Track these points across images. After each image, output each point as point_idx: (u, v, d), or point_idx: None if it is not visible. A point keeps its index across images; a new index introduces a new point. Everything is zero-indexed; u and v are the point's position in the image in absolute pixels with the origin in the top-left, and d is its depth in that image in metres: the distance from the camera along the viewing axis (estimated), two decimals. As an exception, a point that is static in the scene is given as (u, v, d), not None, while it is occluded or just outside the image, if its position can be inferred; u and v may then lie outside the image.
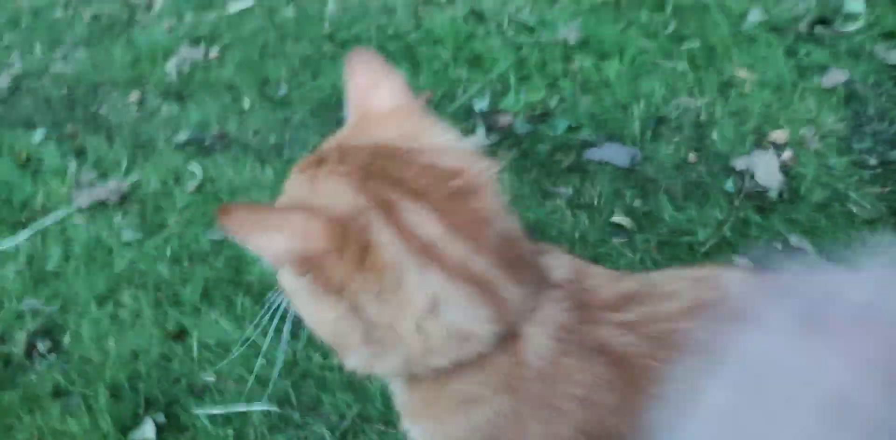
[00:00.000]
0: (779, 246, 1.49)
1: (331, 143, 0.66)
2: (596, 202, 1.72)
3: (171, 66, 2.72)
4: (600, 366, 0.59)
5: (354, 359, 0.64)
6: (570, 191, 1.77)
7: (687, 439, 0.39)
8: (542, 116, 2.05)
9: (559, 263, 0.65)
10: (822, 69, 1.88)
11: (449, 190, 0.59)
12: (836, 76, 1.86)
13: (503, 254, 0.60)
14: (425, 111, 0.66)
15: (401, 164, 0.60)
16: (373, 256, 0.56)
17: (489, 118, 2.12)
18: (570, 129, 1.99)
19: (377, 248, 0.56)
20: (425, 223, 0.57)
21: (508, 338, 0.60)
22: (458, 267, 0.57)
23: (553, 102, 2.08)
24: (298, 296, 0.63)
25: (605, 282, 0.65)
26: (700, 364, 0.39)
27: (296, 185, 0.63)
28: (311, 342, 1.25)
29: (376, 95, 0.67)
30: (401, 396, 0.69)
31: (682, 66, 2.00)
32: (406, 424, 0.68)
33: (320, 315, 0.62)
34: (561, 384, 0.59)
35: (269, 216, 0.58)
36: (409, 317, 0.58)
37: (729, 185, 1.68)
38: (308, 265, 0.57)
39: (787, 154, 1.75)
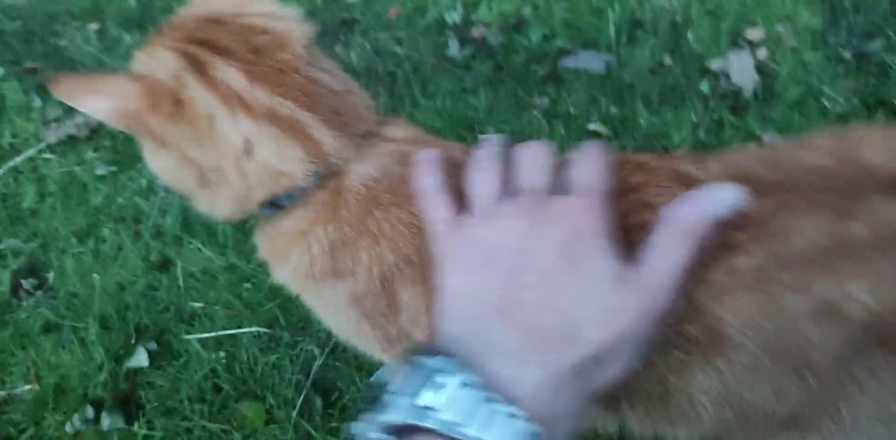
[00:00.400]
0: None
1: (170, 19, 0.73)
2: (572, 111, 1.70)
3: (128, -8, 2.61)
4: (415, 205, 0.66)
5: (201, 203, 0.73)
6: (546, 101, 1.75)
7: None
8: (517, 26, 2.00)
9: (399, 127, 0.72)
10: (799, -39, 1.83)
11: (255, 46, 0.66)
12: (812, -32, 1.81)
13: (316, 101, 0.66)
14: None
15: (218, 30, 0.68)
16: (186, 109, 0.64)
17: (462, 31, 2.06)
18: (545, 38, 1.94)
19: (189, 102, 0.64)
20: (232, 76, 0.65)
21: (331, 176, 0.67)
22: (264, 112, 0.65)
23: (526, 12, 2.02)
24: (145, 154, 0.72)
25: (437, 145, 0.71)
26: None
27: (136, 59, 0.69)
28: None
29: None
30: (259, 244, 0.77)
31: (656, -35, 1.93)
32: (271, 270, 0.77)
33: (160, 166, 0.71)
34: (384, 210, 0.66)
35: (92, 82, 0.65)
36: (227, 159, 0.66)
37: (704, 86, 1.66)
38: (132, 122, 0.65)
39: (762, 52, 1.72)
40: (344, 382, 1.20)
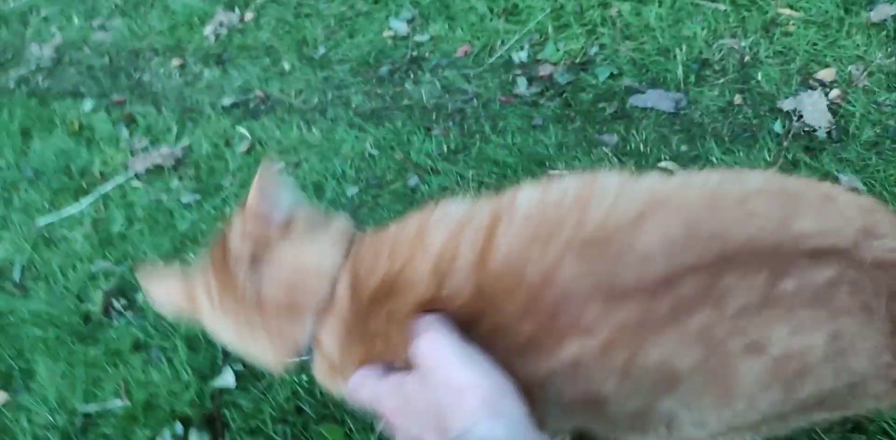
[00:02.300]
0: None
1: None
2: (643, 149, 1.72)
3: (208, 30, 2.75)
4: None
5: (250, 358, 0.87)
6: (615, 138, 1.78)
7: None
8: (583, 65, 2.05)
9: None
10: (870, 2, 1.84)
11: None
12: (884, 9, 1.82)
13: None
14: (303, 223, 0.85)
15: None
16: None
17: (529, 69, 2.12)
18: (612, 76, 1.98)
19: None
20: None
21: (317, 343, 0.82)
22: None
23: (593, 50, 2.07)
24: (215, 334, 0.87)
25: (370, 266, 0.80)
26: None
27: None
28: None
29: (271, 206, 0.85)
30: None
31: (724, 6, 1.97)
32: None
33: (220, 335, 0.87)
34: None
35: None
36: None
37: (777, 126, 1.68)
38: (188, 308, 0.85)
39: (834, 92, 1.73)
40: (421, 408, 1.23)
